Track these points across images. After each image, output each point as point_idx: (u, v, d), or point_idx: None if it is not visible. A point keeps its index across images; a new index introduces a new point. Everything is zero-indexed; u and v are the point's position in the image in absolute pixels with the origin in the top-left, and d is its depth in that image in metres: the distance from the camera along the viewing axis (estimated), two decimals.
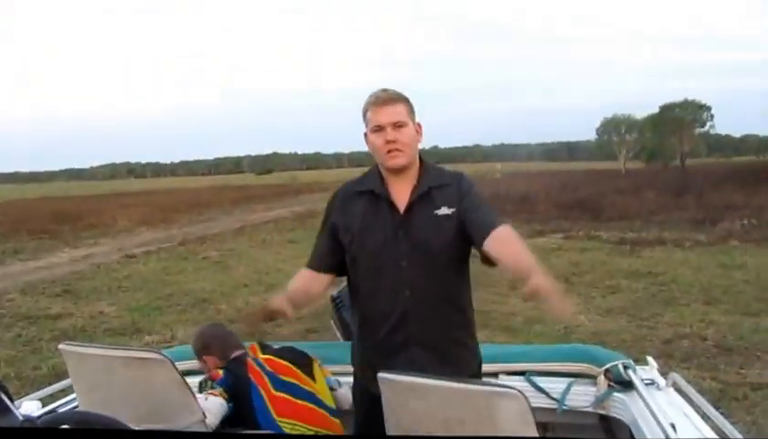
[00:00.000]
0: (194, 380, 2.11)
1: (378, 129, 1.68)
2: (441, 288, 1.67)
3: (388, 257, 1.65)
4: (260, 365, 1.97)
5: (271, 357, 2.03)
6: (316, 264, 1.78)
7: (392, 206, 1.68)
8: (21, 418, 1.05)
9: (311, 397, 1.97)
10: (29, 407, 1.82)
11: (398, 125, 1.67)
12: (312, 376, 2.03)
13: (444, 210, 1.66)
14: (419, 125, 1.74)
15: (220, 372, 1.97)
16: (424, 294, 1.65)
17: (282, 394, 1.92)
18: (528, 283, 1.33)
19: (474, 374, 1.75)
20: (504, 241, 1.53)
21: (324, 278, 1.78)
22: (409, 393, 1.33)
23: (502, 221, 1.59)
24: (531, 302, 1.61)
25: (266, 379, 1.93)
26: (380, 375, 1.40)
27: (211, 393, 1.85)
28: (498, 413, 1.23)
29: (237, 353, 2.05)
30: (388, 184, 1.71)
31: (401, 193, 1.69)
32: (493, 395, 1.26)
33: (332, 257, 1.77)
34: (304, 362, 2.05)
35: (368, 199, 1.71)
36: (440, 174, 1.73)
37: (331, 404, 2.02)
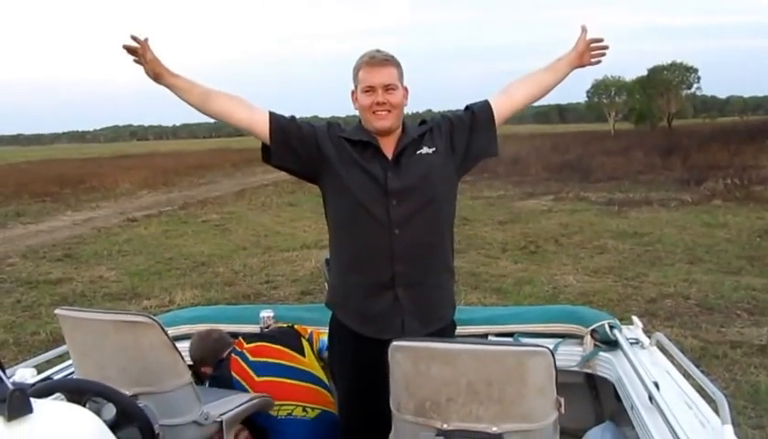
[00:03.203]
0: (185, 345, 2.14)
1: (370, 90, 1.67)
2: (429, 229, 1.69)
3: (377, 196, 1.65)
4: (243, 358, 2.04)
5: (256, 344, 2.09)
6: (268, 112, 1.68)
7: (380, 152, 1.69)
8: (11, 387, 1.04)
9: (296, 372, 2.03)
10: (24, 374, 1.82)
11: (389, 88, 1.67)
12: (300, 350, 2.09)
13: (431, 149, 1.70)
14: (406, 89, 1.73)
15: None
16: (413, 233, 1.66)
17: (265, 378, 2.00)
18: (572, 52, 1.79)
19: (451, 320, 1.79)
20: (509, 85, 1.81)
21: (258, 118, 1.67)
22: (430, 360, 1.28)
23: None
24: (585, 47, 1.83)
25: (249, 370, 2.01)
26: (395, 344, 1.32)
27: None
28: (528, 372, 1.25)
29: (225, 353, 2.11)
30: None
31: (387, 147, 1.70)
32: (525, 354, 1.27)
33: (283, 133, 1.66)
34: (290, 339, 2.11)
35: (355, 146, 1.70)
36: (419, 127, 1.76)
37: (319, 375, 2.08)
